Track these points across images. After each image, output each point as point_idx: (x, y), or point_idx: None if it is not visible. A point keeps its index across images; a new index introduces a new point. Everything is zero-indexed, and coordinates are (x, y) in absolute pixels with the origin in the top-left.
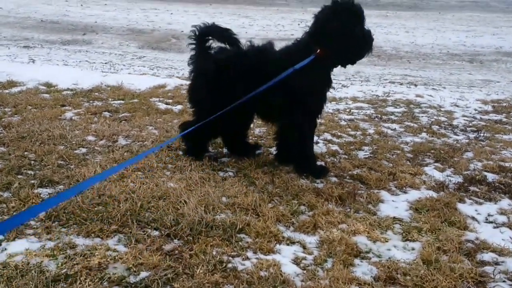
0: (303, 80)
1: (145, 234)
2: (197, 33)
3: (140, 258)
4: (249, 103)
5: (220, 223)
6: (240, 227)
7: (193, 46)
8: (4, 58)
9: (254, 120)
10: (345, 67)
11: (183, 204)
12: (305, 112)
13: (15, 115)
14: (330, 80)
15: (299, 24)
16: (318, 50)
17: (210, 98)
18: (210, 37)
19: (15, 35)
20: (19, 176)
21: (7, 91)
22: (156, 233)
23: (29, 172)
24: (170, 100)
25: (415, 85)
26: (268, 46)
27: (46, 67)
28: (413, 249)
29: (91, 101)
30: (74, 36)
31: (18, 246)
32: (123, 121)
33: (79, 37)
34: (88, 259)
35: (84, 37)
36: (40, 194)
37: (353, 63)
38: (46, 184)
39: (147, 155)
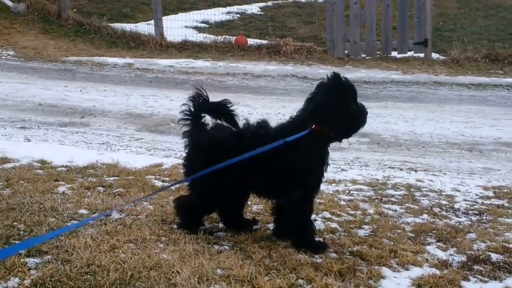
0: (299, 156)
1: None
2: (192, 108)
3: None
4: (244, 179)
5: None
6: None
7: (188, 122)
8: None
9: (252, 198)
10: (341, 141)
11: (176, 274)
12: (303, 188)
13: (6, 188)
14: (327, 155)
15: None
16: (314, 126)
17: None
18: (205, 113)
19: (12, 117)
20: (7, 246)
21: (0, 166)
22: None
23: (17, 242)
24: (167, 178)
25: (415, 171)
26: (264, 124)
27: (41, 145)
28: None
29: (85, 177)
30: (72, 119)
31: None
32: (117, 196)
33: (77, 120)
34: None
35: (82, 120)
36: (26, 263)
37: (348, 137)
38: (34, 254)
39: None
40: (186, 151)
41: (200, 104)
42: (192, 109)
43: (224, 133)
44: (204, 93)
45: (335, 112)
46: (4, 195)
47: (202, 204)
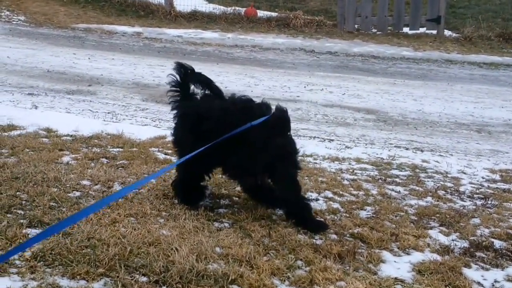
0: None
1: (132, 279)
2: (179, 80)
3: None
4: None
5: (212, 273)
6: (233, 278)
7: (175, 92)
8: (7, 104)
9: None
10: None
11: (174, 251)
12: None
13: (12, 156)
14: None
15: (305, 87)
16: None
17: (192, 143)
18: (193, 84)
19: (20, 83)
20: (8, 215)
21: (6, 133)
22: (144, 279)
23: (19, 211)
24: (170, 151)
25: (421, 151)
26: (251, 102)
27: (48, 113)
28: None
29: (89, 147)
30: (80, 86)
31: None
32: (120, 168)
33: (84, 88)
34: None
35: (89, 88)
36: (28, 234)
37: None
38: (36, 225)
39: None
40: (175, 121)
41: (185, 75)
42: (179, 80)
43: (212, 106)
44: (186, 65)
45: None
46: (9, 164)
47: (188, 176)
